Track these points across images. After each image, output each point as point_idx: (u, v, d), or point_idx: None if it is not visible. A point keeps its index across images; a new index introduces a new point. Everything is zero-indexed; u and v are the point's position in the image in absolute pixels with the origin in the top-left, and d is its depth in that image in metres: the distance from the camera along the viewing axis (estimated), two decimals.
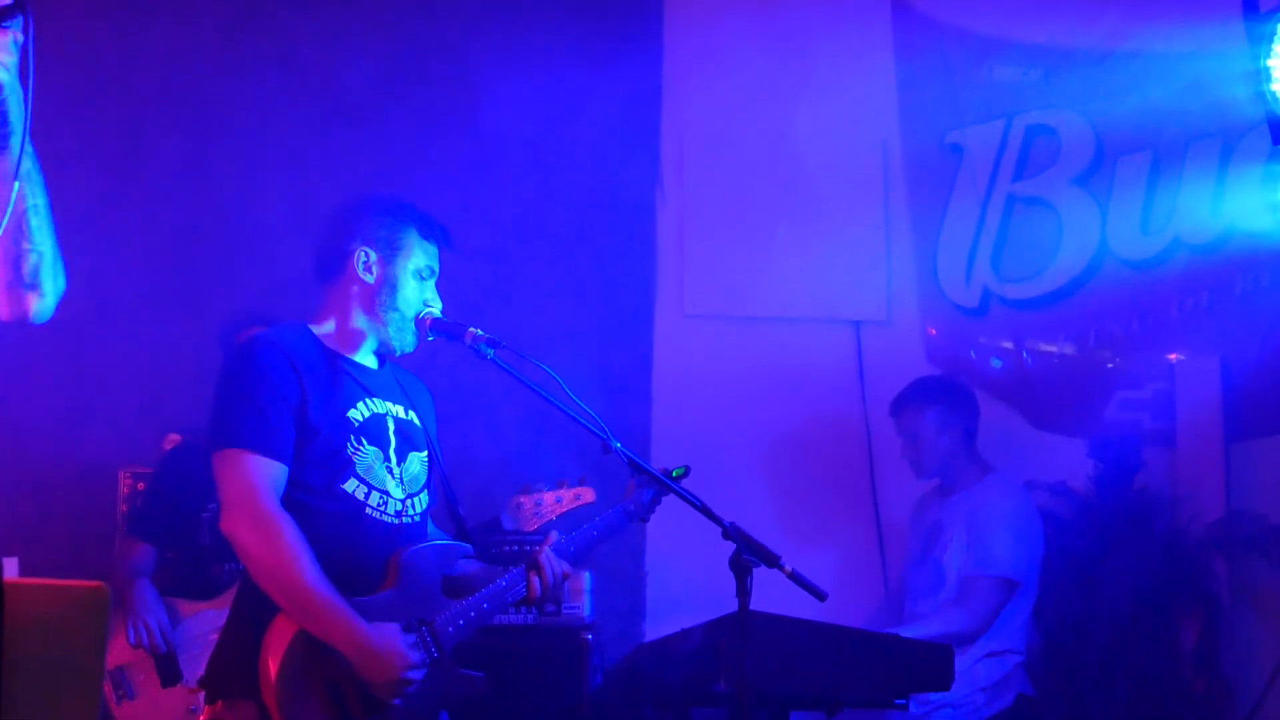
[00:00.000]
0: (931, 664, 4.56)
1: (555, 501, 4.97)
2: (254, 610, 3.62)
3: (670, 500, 4.20)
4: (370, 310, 3.89)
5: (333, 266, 3.93)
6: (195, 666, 4.93)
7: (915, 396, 5.73)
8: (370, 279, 3.88)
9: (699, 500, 3.75)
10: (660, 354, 6.70)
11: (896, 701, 4.64)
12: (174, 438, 5.65)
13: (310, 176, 6.44)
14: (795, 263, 6.65)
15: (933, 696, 5.19)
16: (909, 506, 6.06)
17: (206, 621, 5.05)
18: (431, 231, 3.96)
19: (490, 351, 3.81)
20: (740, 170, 6.74)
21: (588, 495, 4.97)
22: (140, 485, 5.70)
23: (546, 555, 3.94)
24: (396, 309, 3.88)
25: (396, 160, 6.55)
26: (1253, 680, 5.82)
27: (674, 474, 4.50)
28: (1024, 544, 5.43)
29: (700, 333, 6.69)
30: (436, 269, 3.98)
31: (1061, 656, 5.87)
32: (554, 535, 4.05)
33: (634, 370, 6.65)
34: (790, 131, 6.68)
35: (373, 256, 3.88)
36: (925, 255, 6.72)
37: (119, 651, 4.97)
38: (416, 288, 3.91)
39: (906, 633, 5.12)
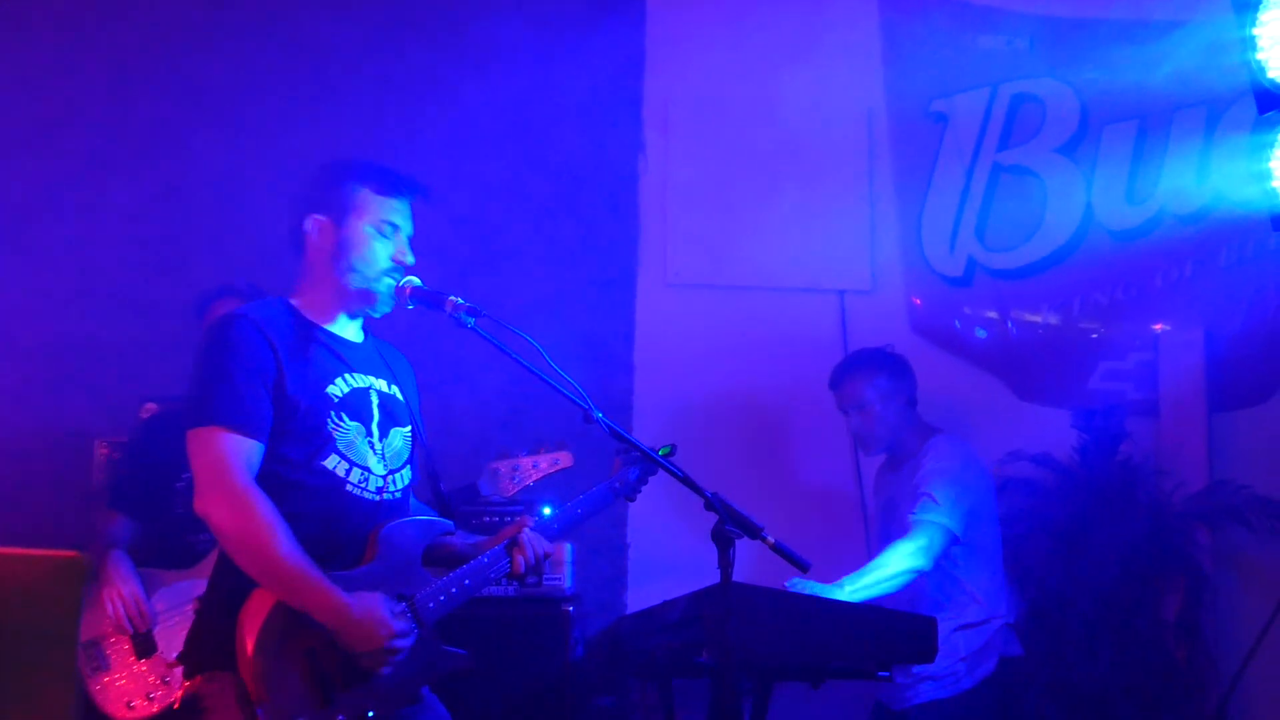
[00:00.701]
0: (915, 635, 4.56)
1: (533, 466, 4.95)
2: (231, 584, 3.60)
3: (653, 474, 4.18)
4: (331, 276, 3.86)
5: (295, 241, 3.92)
6: (172, 638, 4.90)
7: (856, 367, 5.64)
8: (326, 246, 3.85)
9: (681, 471, 3.73)
10: (643, 323, 6.67)
11: (880, 673, 4.63)
12: (151, 407, 5.61)
13: (293, 143, 6.40)
14: (779, 231, 6.62)
15: (914, 668, 5.18)
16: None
17: (183, 592, 5.02)
18: (389, 185, 3.90)
19: (471, 320, 3.77)
20: (724, 137, 6.70)
21: (565, 460, 4.95)
22: (116, 455, 5.66)
23: (527, 535, 3.92)
24: (355, 269, 3.84)
25: (379, 127, 6.52)
26: (1235, 649, 5.83)
27: (660, 453, 4.48)
28: (963, 500, 5.31)
29: (683, 302, 6.67)
30: (402, 223, 3.91)
31: (1045, 626, 5.88)
32: (530, 519, 4.01)
33: (616, 339, 6.62)
34: (775, 98, 6.65)
35: (323, 222, 3.85)
36: (910, 224, 6.70)
37: (92, 623, 4.94)
38: (378, 245, 3.86)
39: (866, 576, 5.07)
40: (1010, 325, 6.54)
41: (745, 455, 6.52)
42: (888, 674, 4.65)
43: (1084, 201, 6.38)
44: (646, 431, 5.92)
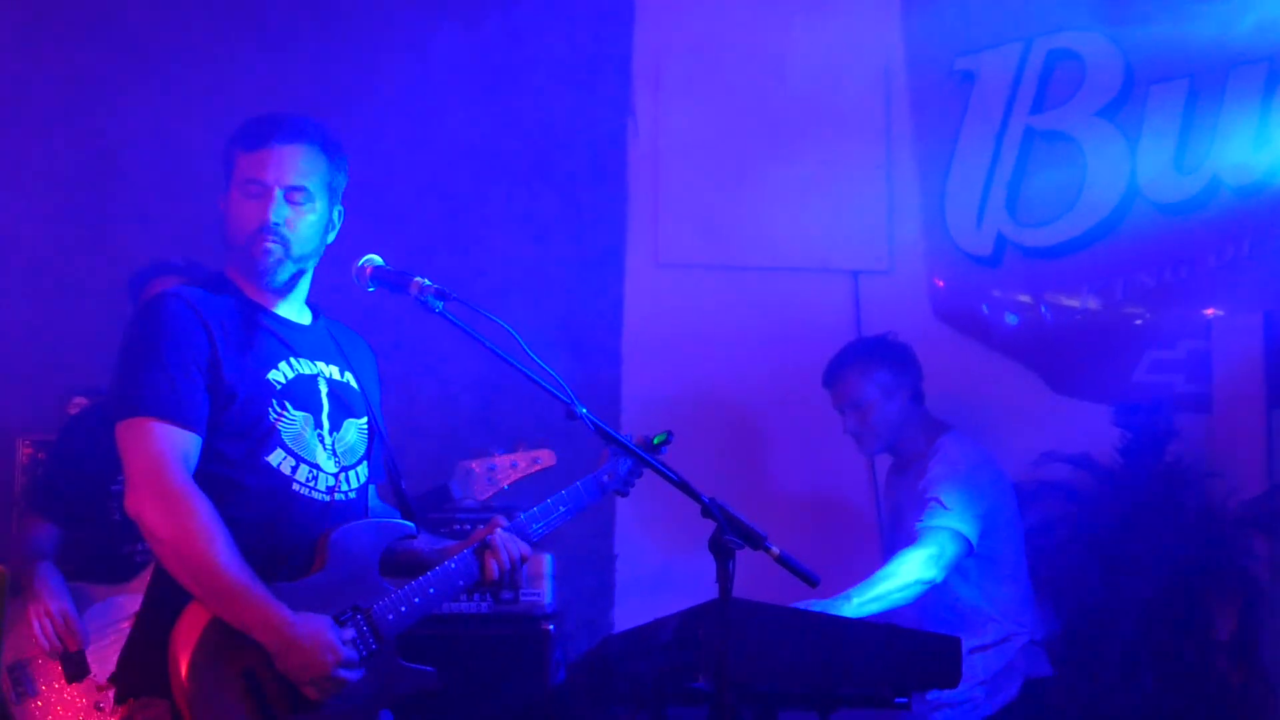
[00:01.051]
0: (936, 658, 4.56)
1: (510, 466, 4.95)
2: (167, 598, 3.58)
3: (645, 471, 4.18)
4: (228, 254, 3.86)
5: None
6: (106, 659, 4.90)
7: (854, 360, 5.64)
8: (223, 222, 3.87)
9: (675, 474, 3.73)
10: (631, 307, 6.67)
11: (897, 700, 4.63)
12: (79, 401, 5.61)
13: (236, 104, 6.36)
14: (784, 205, 6.62)
15: (929, 695, 5.20)
16: None
17: (117, 609, 5.02)
18: (250, 138, 3.84)
19: (439, 304, 3.76)
20: (723, 99, 6.70)
21: (547, 459, 4.95)
22: (41, 455, 5.66)
23: (500, 535, 3.91)
24: (231, 245, 3.82)
25: (333, 85, 6.48)
26: None
27: (655, 441, 4.48)
28: (974, 505, 5.31)
29: (676, 283, 6.67)
30: (269, 178, 3.80)
31: (1082, 645, 5.90)
32: (504, 519, 4.00)
33: (602, 325, 6.62)
34: (780, 54, 6.65)
35: (223, 198, 3.85)
36: (932, 197, 6.70)
37: (17, 644, 4.94)
38: (246, 210, 3.79)
39: (873, 587, 5.09)
40: (1044, 310, 6.55)
41: (747, 456, 6.53)
42: (906, 700, 4.65)
43: (1128, 171, 6.38)
44: (635, 428, 5.85)
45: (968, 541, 5.22)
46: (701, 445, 5.88)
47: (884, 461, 5.98)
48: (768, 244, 6.63)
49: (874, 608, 5.01)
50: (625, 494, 4.48)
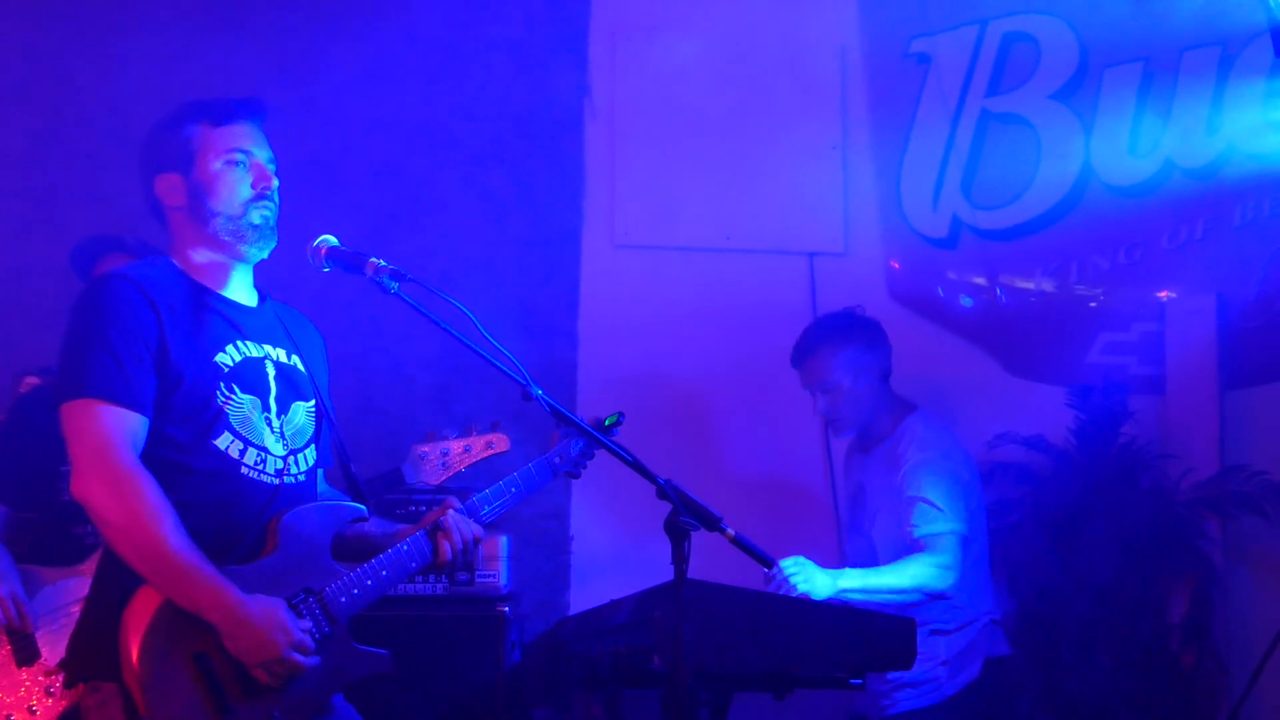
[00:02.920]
0: (892, 639, 4.57)
1: (464, 450, 4.95)
2: (117, 581, 3.57)
3: (600, 453, 4.17)
4: (201, 232, 3.84)
5: (153, 209, 3.91)
6: (56, 643, 4.88)
7: (821, 338, 5.56)
8: (181, 202, 3.84)
9: (631, 454, 3.73)
10: (588, 288, 6.66)
11: (852, 681, 4.64)
12: (31, 381, 5.57)
13: (188, 83, 6.32)
14: (741, 186, 6.63)
15: (890, 675, 5.21)
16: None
17: (68, 591, 4.99)
18: (224, 113, 3.88)
19: (394, 285, 3.75)
20: (680, 80, 6.67)
21: (501, 443, 4.94)
22: None
23: (453, 517, 3.91)
24: (218, 213, 3.82)
25: (287, 65, 6.44)
26: (1248, 652, 5.89)
27: (606, 423, 4.49)
28: (958, 493, 5.31)
29: (633, 264, 6.66)
30: (254, 148, 3.89)
31: (1038, 627, 5.93)
32: (457, 501, 4.00)
33: (558, 307, 6.61)
34: (737, 36, 6.64)
35: (173, 179, 3.84)
36: (887, 179, 6.71)
37: None
38: (234, 179, 3.83)
39: (874, 575, 5.11)
40: (1000, 292, 6.57)
41: (703, 437, 6.53)
42: (860, 681, 4.66)
43: (1082, 154, 6.40)
44: (592, 409, 5.88)
45: (965, 539, 5.24)
46: (657, 427, 5.90)
47: (840, 441, 5.97)
48: (724, 225, 6.64)
49: (865, 597, 5.03)
50: (577, 476, 4.49)
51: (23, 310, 6.17)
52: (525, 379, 3.68)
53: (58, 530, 5.12)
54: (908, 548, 5.23)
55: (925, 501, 5.23)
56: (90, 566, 4.86)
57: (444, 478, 4.99)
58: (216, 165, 3.83)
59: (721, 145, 6.64)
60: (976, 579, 5.38)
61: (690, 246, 6.65)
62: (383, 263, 3.77)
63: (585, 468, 4.48)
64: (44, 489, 5.12)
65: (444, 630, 5.62)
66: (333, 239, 3.86)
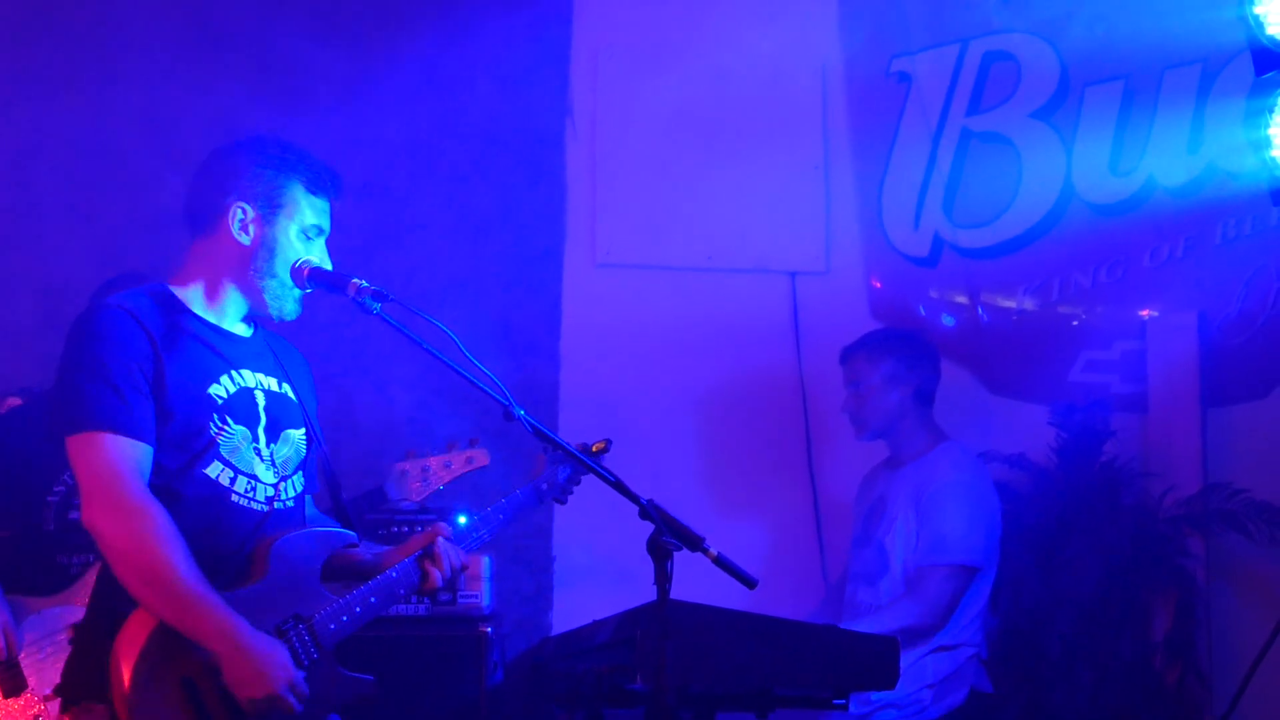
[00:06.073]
0: (874, 659, 4.56)
1: (444, 467, 4.97)
2: (111, 606, 3.59)
3: (585, 475, 4.19)
4: (245, 275, 3.84)
5: (203, 222, 3.87)
6: (43, 671, 4.85)
7: (869, 346, 5.74)
8: (246, 240, 3.83)
9: (613, 475, 3.74)
10: (570, 307, 6.67)
11: (835, 701, 4.65)
12: (12, 402, 5.54)
13: (172, 105, 6.33)
14: (723, 205, 6.65)
15: (874, 695, 5.22)
16: (851, 478, 6.07)
17: (54, 620, 4.94)
18: (320, 184, 3.91)
19: (376, 305, 3.77)
20: (662, 99, 6.69)
21: (480, 459, 4.97)
22: None
23: (443, 544, 3.93)
24: (275, 275, 3.84)
25: (270, 84, 6.43)
26: (1231, 671, 5.89)
27: (593, 449, 4.53)
28: (980, 524, 5.44)
29: (615, 284, 6.67)
30: (326, 227, 3.95)
31: (1020, 645, 5.93)
32: (446, 527, 4.01)
33: (540, 326, 6.61)
34: (718, 54, 6.65)
35: (250, 214, 3.83)
36: (869, 198, 6.73)
37: None
38: (301, 249, 3.87)
39: (851, 628, 5.15)
40: (981, 310, 6.59)
41: (685, 457, 6.54)
42: (844, 702, 4.67)
43: (1063, 172, 6.42)
44: (574, 429, 5.89)
45: (973, 572, 5.38)
46: (640, 446, 5.89)
47: (827, 463, 6.00)
48: (706, 244, 6.65)
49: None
50: (563, 501, 4.53)
51: (3, 329, 6.15)
52: (507, 399, 3.69)
53: (42, 559, 5.09)
54: (909, 570, 5.39)
55: (941, 527, 5.38)
56: (76, 596, 4.87)
57: (426, 494, 5.01)
58: (294, 231, 3.85)
59: (703, 164, 6.66)
60: (973, 606, 5.43)
61: (672, 265, 6.66)
62: (365, 283, 3.79)
63: (571, 493, 4.51)
64: (24, 512, 5.10)
65: (426, 650, 5.61)
66: (315, 259, 3.87)
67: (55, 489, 5.07)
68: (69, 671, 3.71)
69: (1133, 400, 6.33)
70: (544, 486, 4.40)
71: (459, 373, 3.71)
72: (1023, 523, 6.05)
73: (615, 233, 6.69)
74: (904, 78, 6.69)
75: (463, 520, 4.62)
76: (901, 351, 5.70)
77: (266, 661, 3.52)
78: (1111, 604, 5.94)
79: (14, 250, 6.30)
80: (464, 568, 3.99)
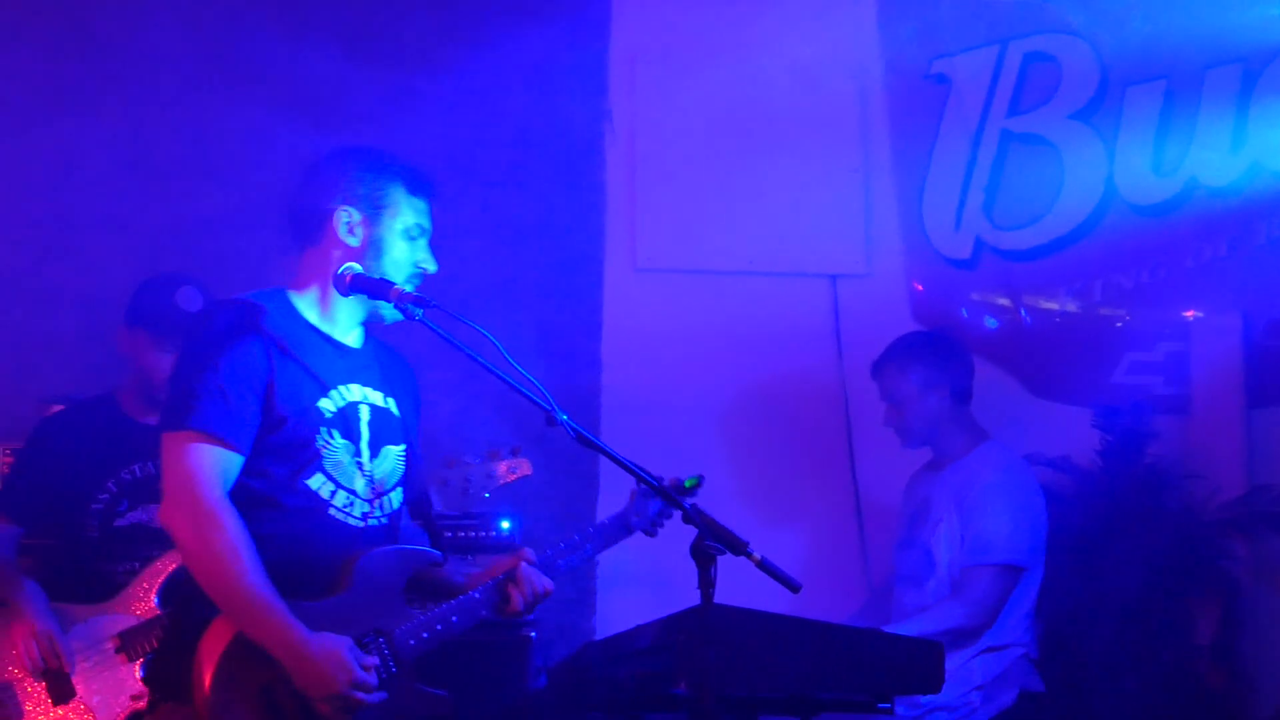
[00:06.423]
0: (919, 662, 4.56)
1: (487, 476, 4.97)
2: (198, 609, 3.65)
3: (621, 476, 4.17)
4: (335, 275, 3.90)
5: (310, 229, 3.94)
6: (89, 680, 4.86)
7: (896, 355, 5.68)
8: (354, 242, 3.90)
9: (657, 480, 3.76)
10: (610, 313, 6.67)
11: (880, 705, 4.64)
12: (56, 409, 5.56)
13: (207, 112, 6.36)
14: (762, 209, 6.64)
15: (923, 699, 5.21)
16: (893, 482, 6.05)
17: (101, 629, 4.93)
18: (419, 185, 3.98)
19: (419, 311, 3.80)
20: (700, 103, 6.69)
21: (524, 468, 4.97)
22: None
23: (527, 569, 3.96)
24: (384, 274, 3.89)
25: (307, 91, 6.44)
26: (1276, 674, 5.88)
27: (686, 484, 4.58)
28: (1024, 523, 5.41)
29: (655, 288, 6.67)
30: (428, 226, 4.01)
31: (1063, 649, 5.90)
32: (530, 552, 4.05)
33: (581, 331, 6.62)
34: (757, 58, 6.64)
35: (356, 217, 3.90)
36: (909, 200, 6.71)
37: (1, 665, 4.89)
38: (406, 249, 3.94)
39: (896, 630, 5.13)
40: (1023, 313, 6.57)
41: (726, 461, 6.53)
42: (889, 705, 4.66)
43: (1105, 173, 6.40)
44: (615, 434, 5.90)
45: (1019, 571, 5.36)
46: (682, 450, 5.89)
47: (869, 467, 5.99)
48: (746, 248, 6.64)
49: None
50: (653, 534, 4.59)
51: (45, 339, 6.18)
52: (549, 404, 3.70)
53: (86, 567, 5.10)
54: (954, 571, 5.39)
55: (985, 528, 5.35)
56: (120, 605, 4.90)
57: (469, 503, 5.01)
58: (399, 230, 3.92)
59: (742, 167, 6.65)
60: (1021, 607, 5.41)
61: (712, 269, 6.66)
62: (407, 289, 3.82)
63: (662, 526, 4.55)
64: (67, 518, 5.11)
65: (470, 654, 5.60)
66: (357, 265, 3.90)
67: (99, 496, 5.09)
68: (156, 668, 3.80)
69: (1176, 402, 6.30)
70: (633, 520, 4.46)
71: (502, 378, 3.72)
72: (1066, 525, 6.03)
73: (655, 237, 6.69)
74: (943, 79, 6.67)
75: (505, 525, 4.64)
76: (929, 355, 5.65)
77: (326, 661, 3.56)
78: (1154, 607, 5.91)
79: (54, 261, 6.33)
80: (547, 594, 4.02)
